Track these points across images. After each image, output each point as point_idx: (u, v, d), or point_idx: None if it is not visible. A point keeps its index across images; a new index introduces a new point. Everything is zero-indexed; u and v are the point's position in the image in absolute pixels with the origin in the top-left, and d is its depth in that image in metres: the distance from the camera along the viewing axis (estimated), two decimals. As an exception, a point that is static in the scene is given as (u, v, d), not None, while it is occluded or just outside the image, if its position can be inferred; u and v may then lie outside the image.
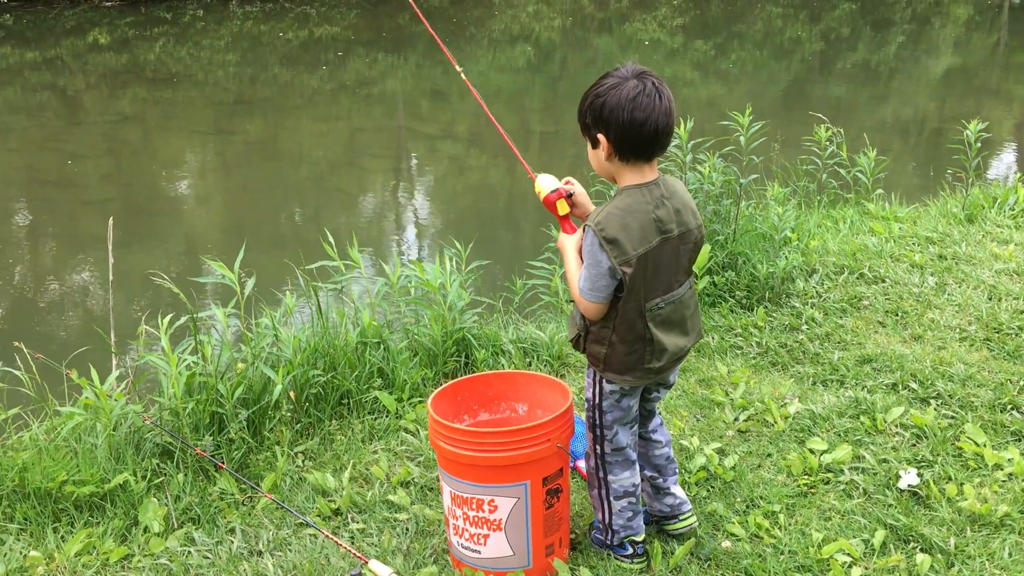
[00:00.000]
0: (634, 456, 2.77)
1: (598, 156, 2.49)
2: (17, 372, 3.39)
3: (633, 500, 2.77)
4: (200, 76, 15.37)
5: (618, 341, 2.53)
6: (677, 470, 2.90)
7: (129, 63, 16.43)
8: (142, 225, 8.41)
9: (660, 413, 2.92)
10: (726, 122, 4.97)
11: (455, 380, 2.90)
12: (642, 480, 2.87)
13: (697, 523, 2.94)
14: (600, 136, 2.44)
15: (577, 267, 2.57)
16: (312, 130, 12.35)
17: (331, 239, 3.98)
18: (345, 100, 13.86)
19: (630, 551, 2.80)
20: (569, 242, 2.63)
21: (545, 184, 2.67)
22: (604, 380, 2.64)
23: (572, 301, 2.64)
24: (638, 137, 2.40)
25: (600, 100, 2.41)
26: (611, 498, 2.76)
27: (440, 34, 3.26)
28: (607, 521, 2.79)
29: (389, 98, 14.23)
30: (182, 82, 14.84)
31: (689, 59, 18.06)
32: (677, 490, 2.89)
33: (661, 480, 2.86)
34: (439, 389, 2.83)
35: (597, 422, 2.71)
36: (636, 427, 2.77)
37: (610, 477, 2.74)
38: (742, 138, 4.81)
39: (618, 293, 2.48)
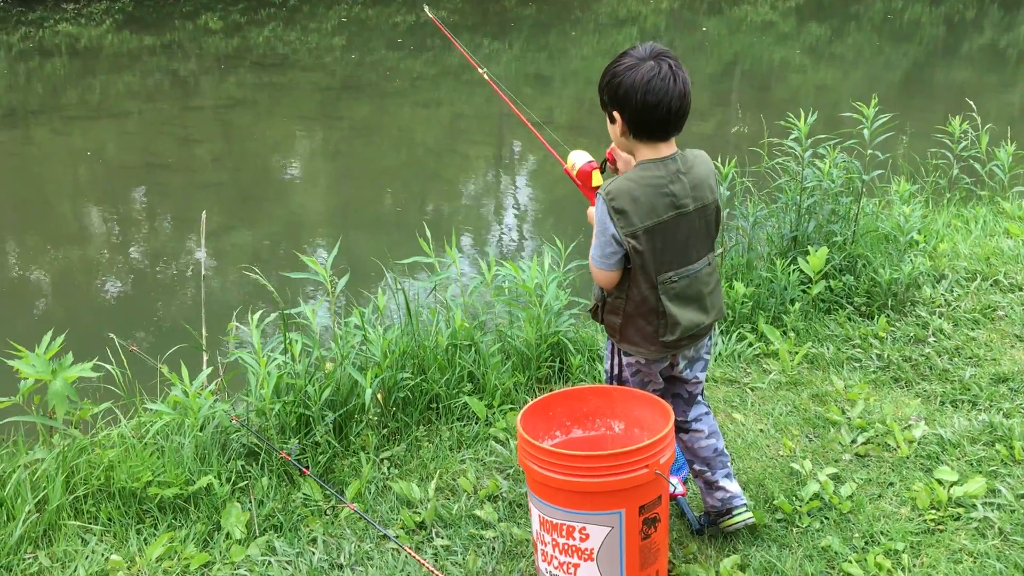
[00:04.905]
0: None
1: (615, 131, 2.54)
2: (109, 367, 3.37)
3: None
4: (308, 61, 15.57)
5: (632, 312, 2.56)
6: (728, 463, 2.80)
7: (240, 47, 16.78)
8: (250, 209, 8.52)
9: (705, 402, 2.83)
10: (847, 113, 4.62)
11: (547, 395, 2.72)
12: (694, 475, 2.82)
13: (753, 519, 2.76)
14: (616, 114, 2.49)
15: None
16: (415, 116, 12.33)
17: (428, 233, 3.84)
18: (448, 85, 13.79)
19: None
20: None
21: (578, 159, 2.74)
22: (622, 352, 2.66)
23: None
24: (651, 119, 2.43)
25: (616, 80, 2.44)
26: None
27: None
28: None
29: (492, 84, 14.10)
30: (291, 67, 15.06)
31: (802, 42, 17.33)
32: (728, 483, 2.78)
33: (710, 474, 2.78)
34: (529, 404, 2.65)
35: None
36: None
37: None
38: (866, 131, 4.45)
39: (628, 264, 2.49)
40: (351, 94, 13.56)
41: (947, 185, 5.69)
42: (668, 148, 2.51)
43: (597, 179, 2.73)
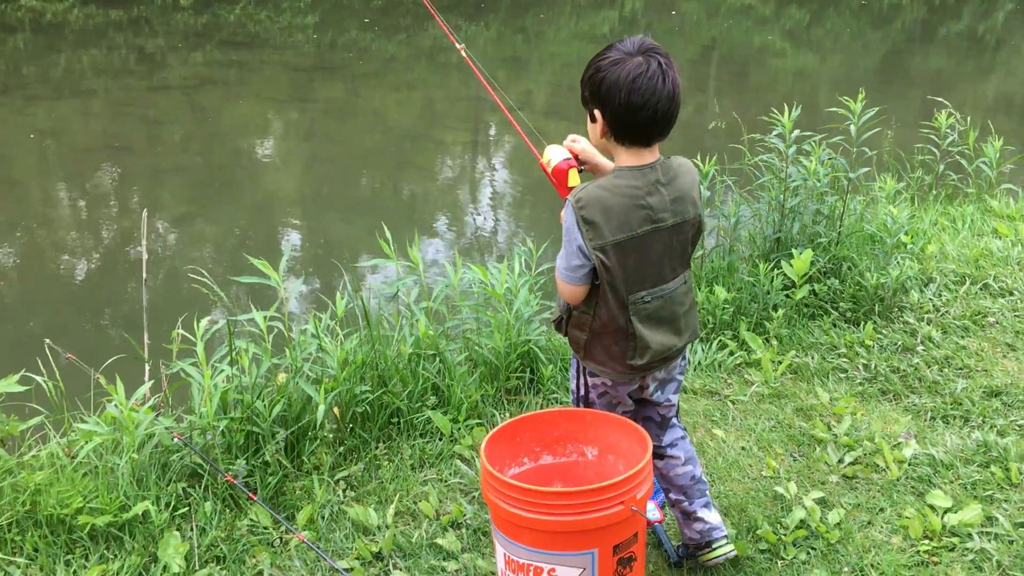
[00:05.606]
0: None
1: (594, 131, 2.32)
2: (41, 379, 3.10)
3: None
4: (279, 40, 15.16)
5: (599, 330, 2.35)
6: (707, 491, 2.62)
7: (210, 24, 16.33)
8: (217, 195, 8.21)
9: (680, 424, 2.62)
10: (833, 108, 4.41)
11: (514, 419, 2.49)
12: (670, 504, 2.64)
13: (735, 552, 2.57)
14: (597, 112, 2.27)
15: None
16: (388, 99, 12.00)
17: (388, 234, 3.59)
18: (422, 67, 13.47)
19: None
20: None
21: (554, 154, 2.48)
22: (587, 372, 2.47)
23: None
24: (634, 121, 2.22)
25: (600, 75, 2.23)
26: None
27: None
28: None
29: (467, 66, 13.79)
30: (262, 46, 14.66)
31: (781, 27, 17.14)
32: (707, 514, 2.58)
33: (688, 504, 2.59)
34: (495, 430, 2.42)
35: None
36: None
37: None
38: (853, 127, 4.24)
39: (596, 280, 2.29)
40: (323, 75, 13.20)
41: (933, 181, 5.50)
42: (651, 155, 2.29)
43: (574, 179, 2.48)
